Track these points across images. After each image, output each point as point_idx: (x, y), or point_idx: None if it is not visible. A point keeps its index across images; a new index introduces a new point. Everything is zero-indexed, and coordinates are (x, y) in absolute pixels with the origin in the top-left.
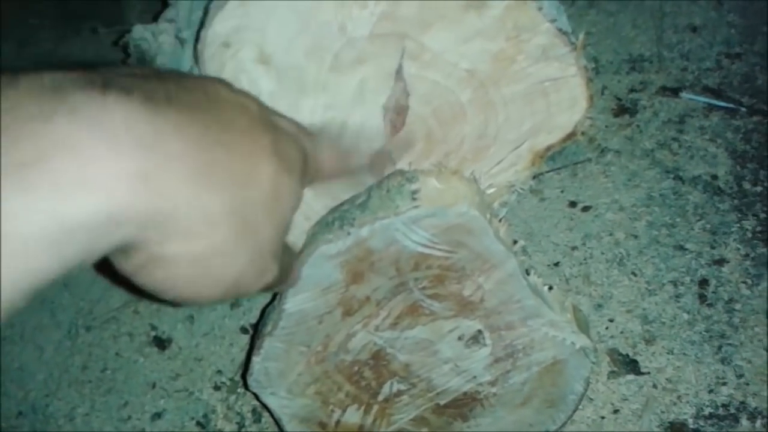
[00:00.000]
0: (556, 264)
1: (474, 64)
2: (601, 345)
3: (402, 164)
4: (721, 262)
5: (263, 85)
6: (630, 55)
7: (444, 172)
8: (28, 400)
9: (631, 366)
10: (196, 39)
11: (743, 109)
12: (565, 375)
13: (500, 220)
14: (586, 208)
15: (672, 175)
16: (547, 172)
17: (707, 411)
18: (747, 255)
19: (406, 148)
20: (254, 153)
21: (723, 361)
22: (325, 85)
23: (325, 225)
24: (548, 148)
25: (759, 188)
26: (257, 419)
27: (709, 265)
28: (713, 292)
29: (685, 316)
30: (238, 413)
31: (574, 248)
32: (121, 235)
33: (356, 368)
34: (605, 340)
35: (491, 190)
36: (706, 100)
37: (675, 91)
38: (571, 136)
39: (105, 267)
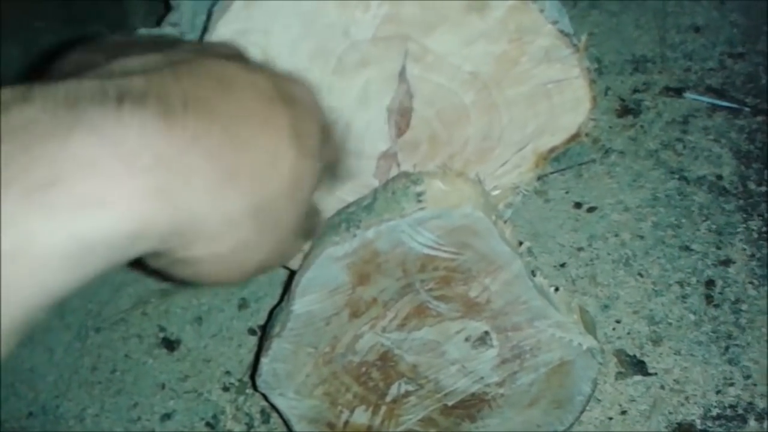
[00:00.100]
0: (562, 265)
1: (477, 67)
2: (608, 346)
3: (407, 166)
4: (727, 262)
5: None
6: (633, 56)
7: (449, 173)
8: (38, 401)
9: (639, 367)
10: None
11: (747, 109)
12: (573, 376)
13: (505, 222)
14: (591, 209)
15: (677, 176)
16: (552, 173)
17: (715, 412)
18: (753, 255)
19: (411, 150)
20: (274, 143)
21: (730, 361)
22: (330, 87)
23: (331, 227)
24: (552, 150)
25: (764, 188)
26: (266, 420)
27: (715, 265)
28: (720, 293)
29: (692, 316)
30: (247, 414)
31: (579, 249)
32: (142, 247)
33: (364, 369)
34: (612, 341)
35: (496, 192)
36: (710, 100)
37: (678, 92)
38: (575, 137)
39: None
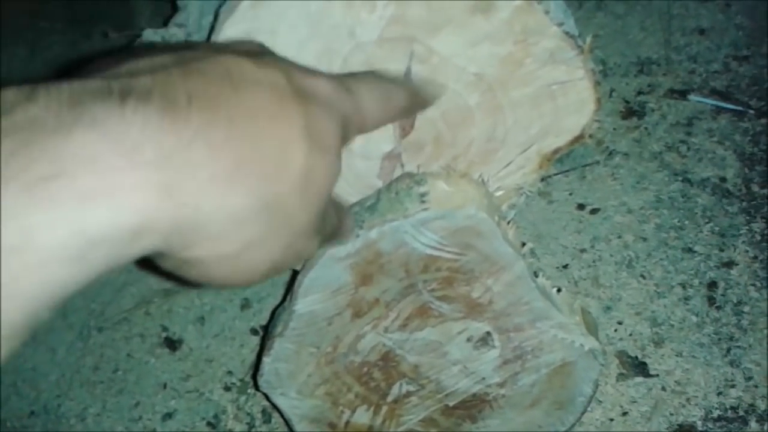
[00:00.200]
0: (565, 266)
1: (482, 68)
2: (610, 347)
3: (411, 167)
4: (729, 264)
5: None
6: (638, 58)
7: (453, 174)
8: (40, 400)
9: (640, 368)
10: None
11: (751, 112)
12: (574, 377)
13: (508, 223)
14: (594, 211)
15: (680, 178)
16: (556, 174)
17: (716, 413)
18: (755, 257)
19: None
20: (283, 138)
21: (732, 363)
22: None
23: None
24: (556, 151)
25: (767, 191)
26: (267, 420)
27: (717, 267)
28: (722, 295)
29: (694, 318)
30: (248, 414)
31: (582, 251)
32: (146, 244)
33: (365, 369)
34: (614, 343)
35: (499, 193)
36: (714, 102)
37: (683, 94)
38: (579, 138)
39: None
